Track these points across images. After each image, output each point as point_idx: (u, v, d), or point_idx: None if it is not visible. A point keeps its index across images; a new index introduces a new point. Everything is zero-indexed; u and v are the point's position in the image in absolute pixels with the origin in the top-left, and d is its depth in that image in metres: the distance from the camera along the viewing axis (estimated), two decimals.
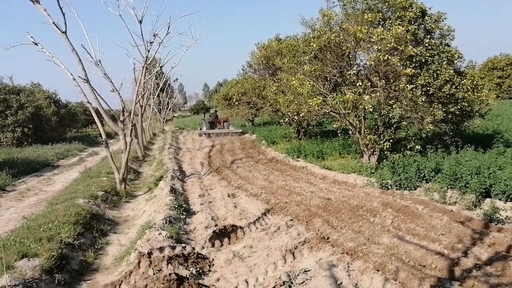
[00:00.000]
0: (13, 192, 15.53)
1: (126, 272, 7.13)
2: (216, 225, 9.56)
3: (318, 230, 8.86)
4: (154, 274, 6.74)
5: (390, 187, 12.63)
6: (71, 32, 12.79)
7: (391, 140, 15.02)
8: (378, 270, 6.48)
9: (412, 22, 14.70)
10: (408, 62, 14.18)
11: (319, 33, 15.82)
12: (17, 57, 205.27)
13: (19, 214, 11.82)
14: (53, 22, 12.47)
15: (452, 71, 14.25)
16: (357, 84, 14.54)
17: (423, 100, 13.80)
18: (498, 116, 26.64)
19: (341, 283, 6.21)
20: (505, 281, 6.01)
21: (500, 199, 10.04)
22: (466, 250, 7.28)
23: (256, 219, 10.06)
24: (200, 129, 36.09)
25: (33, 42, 12.98)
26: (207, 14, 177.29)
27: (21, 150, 26.99)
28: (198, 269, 7.33)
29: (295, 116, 19.46)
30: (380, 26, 14.70)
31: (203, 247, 8.53)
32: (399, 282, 6.13)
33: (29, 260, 7.08)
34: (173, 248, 7.85)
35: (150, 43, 15.27)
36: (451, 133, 15.62)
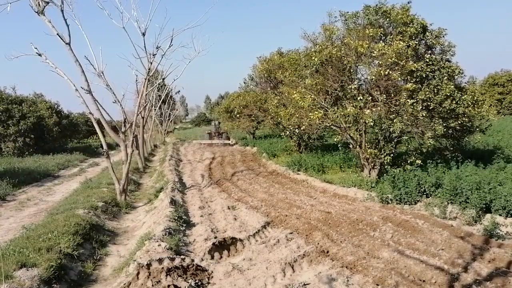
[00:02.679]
0: (13, 202, 15.51)
1: (124, 284, 7.10)
2: (215, 237, 9.54)
3: (318, 243, 8.84)
4: (153, 285, 6.72)
5: (390, 202, 12.62)
6: (74, 43, 12.94)
7: (392, 155, 15.03)
8: (377, 285, 6.47)
9: (413, 38, 14.80)
10: (409, 77, 14.24)
11: (320, 47, 15.94)
12: (20, 67, 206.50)
13: (18, 223, 11.79)
14: (57, 34, 12.61)
15: (452, 86, 14.30)
16: (358, 98, 14.60)
17: (424, 115, 13.84)
18: (499, 132, 26.64)
19: None
20: None
21: (500, 215, 10.02)
22: (466, 265, 7.25)
23: (256, 232, 10.05)
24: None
25: (37, 53, 13.10)
26: (209, 27, 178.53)
27: (22, 160, 27.00)
28: (197, 281, 7.31)
29: (296, 129, 19.50)
30: (381, 41, 14.81)
31: (202, 259, 8.51)
32: None
33: (27, 270, 7.07)
34: (172, 259, 7.82)
35: (153, 55, 15.41)
36: (451, 148, 15.62)
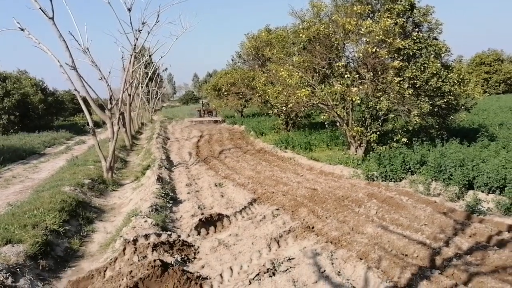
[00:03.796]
0: None
1: (111, 259, 7.14)
2: (202, 214, 9.59)
3: (304, 219, 8.94)
4: (139, 260, 6.78)
5: (376, 179, 12.76)
6: (58, 19, 12.64)
7: (378, 132, 15.13)
8: (361, 259, 6.58)
9: (401, 15, 14.78)
10: (396, 55, 14.26)
11: (308, 24, 15.81)
12: (3, 43, 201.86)
13: (3, 201, 11.72)
14: (40, 8, 12.31)
15: (439, 64, 14.36)
16: (345, 76, 14.59)
17: (410, 93, 13.90)
18: (484, 111, 26.97)
19: (324, 270, 6.30)
20: (483, 270, 6.15)
21: (482, 191, 10.20)
22: (447, 240, 7.41)
23: (243, 208, 10.12)
24: None
25: (19, 27, 12.80)
26: (197, 3, 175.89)
27: (7, 138, 26.67)
28: (183, 256, 7.38)
29: (284, 107, 19.50)
30: (369, 19, 14.75)
31: (188, 235, 8.57)
32: (381, 270, 6.25)
33: (13, 246, 7.06)
34: (159, 235, 7.87)
35: (139, 31, 15.17)
36: (437, 126, 15.78)
